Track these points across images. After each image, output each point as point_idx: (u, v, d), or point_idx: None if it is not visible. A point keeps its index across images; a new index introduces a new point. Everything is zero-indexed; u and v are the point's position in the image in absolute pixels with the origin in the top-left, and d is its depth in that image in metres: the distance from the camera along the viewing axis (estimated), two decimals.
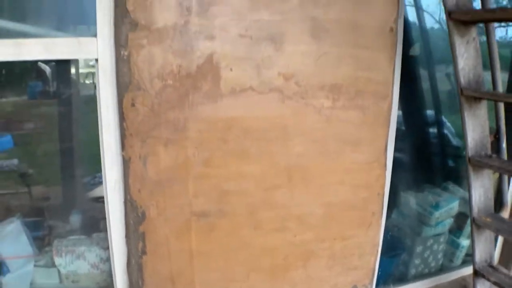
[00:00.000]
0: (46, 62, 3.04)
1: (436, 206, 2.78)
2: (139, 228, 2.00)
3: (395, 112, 2.38)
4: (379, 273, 2.60)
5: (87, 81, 3.41)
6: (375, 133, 2.30)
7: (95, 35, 1.88)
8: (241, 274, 2.21)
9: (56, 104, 3.23)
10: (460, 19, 2.21)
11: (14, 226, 2.31)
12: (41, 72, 3.31)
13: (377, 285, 2.63)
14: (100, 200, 2.12)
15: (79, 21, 2.24)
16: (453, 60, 2.21)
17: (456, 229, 2.96)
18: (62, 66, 2.99)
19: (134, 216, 2.00)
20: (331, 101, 2.17)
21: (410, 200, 2.87)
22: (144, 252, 2.03)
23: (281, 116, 2.10)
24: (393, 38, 2.25)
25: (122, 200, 2.01)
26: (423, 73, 3.22)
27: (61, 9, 2.27)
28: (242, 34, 1.98)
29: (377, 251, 2.48)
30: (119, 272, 2.10)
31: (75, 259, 2.26)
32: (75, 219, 2.52)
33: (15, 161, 3.61)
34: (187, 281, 2.12)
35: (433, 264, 2.99)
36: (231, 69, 1.98)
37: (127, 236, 2.04)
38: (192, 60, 1.92)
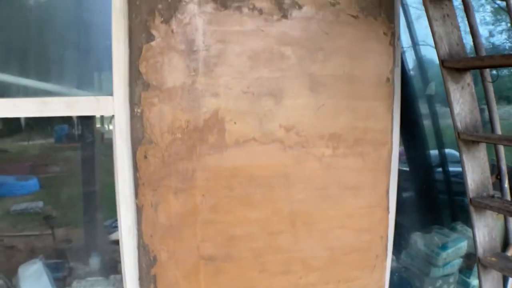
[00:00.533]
0: None
1: (443, 247, 2.79)
2: (151, 271, 2.13)
3: (395, 157, 2.46)
4: None
5: (110, 126, 3.61)
6: (376, 178, 2.38)
7: (111, 94, 2.08)
8: None
9: (80, 148, 3.37)
10: (453, 67, 2.31)
11: (37, 267, 2.47)
12: (67, 116, 3.50)
13: None
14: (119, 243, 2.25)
15: (98, 81, 2.46)
16: (449, 106, 2.30)
17: (466, 269, 2.95)
18: None
19: (147, 260, 2.13)
20: (331, 149, 2.28)
21: (418, 241, 2.89)
22: None
23: (283, 165, 2.22)
24: (390, 87, 2.36)
25: (136, 244, 2.15)
26: (424, 112, 3.30)
27: (82, 71, 2.50)
28: (245, 90, 2.14)
29: None
30: None
31: None
32: (94, 261, 2.67)
33: (40, 204, 3.77)
34: None
35: None
36: (235, 123, 2.13)
37: (141, 278, 2.17)
38: (199, 115, 2.09)
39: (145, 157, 2.07)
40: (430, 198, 3.20)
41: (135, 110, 2.06)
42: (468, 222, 3.12)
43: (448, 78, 2.33)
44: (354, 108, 2.30)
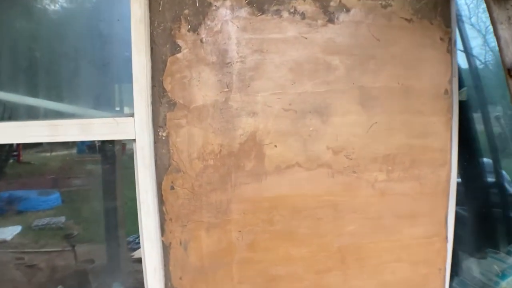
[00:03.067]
0: None
1: (503, 276, 2.37)
2: None
3: (454, 179, 2.04)
4: None
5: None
6: (434, 205, 1.97)
7: (132, 115, 1.70)
8: None
9: (102, 160, 3.09)
10: None
11: None
12: None
13: None
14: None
15: (116, 101, 2.08)
16: None
17: None
18: None
19: None
20: (385, 173, 1.87)
21: (472, 268, 2.47)
22: None
23: (331, 193, 1.82)
24: (449, 100, 1.94)
25: (163, 287, 1.77)
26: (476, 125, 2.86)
27: (99, 88, 2.12)
28: (286, 108, 1.74)
29: None
30: None
31: None
32: None
33: (62, 219, 3.51)
34: None
35: None
36: (275, 146, 1.74)
37: None
38: (233, 138, 1.70)
39: (172, 188, 1.68)
40: (485, 221, 2.77)
41: (160, 133, 1.67)
42: None
43: None
44: (410, 124, 1.89)
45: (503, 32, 1.82)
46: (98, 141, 3.14)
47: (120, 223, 3.07)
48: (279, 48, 1.72)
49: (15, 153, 3.67)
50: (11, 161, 3.56)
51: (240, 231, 1.74)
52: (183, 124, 1.67)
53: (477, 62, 3.34)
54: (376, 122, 1.84)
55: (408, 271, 1.97)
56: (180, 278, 1.73)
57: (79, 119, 1.73)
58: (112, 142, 3.02)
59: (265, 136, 1.73)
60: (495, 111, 3.27)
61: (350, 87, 1.80)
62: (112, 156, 2.97)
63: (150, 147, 1.70)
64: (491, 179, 2.90)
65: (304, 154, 1.77)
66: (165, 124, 1.67)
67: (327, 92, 1.77)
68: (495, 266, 2.38)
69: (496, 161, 2.91)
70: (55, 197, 3.58)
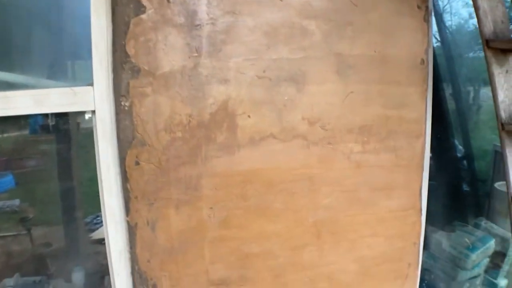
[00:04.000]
0: None
1: (473, 248, 2.39)
2: None
3: (428, 151, 2.01)
4: None
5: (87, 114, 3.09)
6: (409, 177, 1.91)
7: (91, 84, 1.52)
8: None
9: (56, 140, 2.89)
10: (499, 47, 1.86)
11: None
12: None
13: None
14: (103, 242, 1.73)
15: (73, 68, 1.87)
16: (492, 92, 1.85)
17: (492, 269, 2.56)
18: None
19: None
20: (360, 144, 1.80)
21: (442, 241, 2.47)
22: None
23: (307, 165, 1.72)
24: (425, 71, 1.88)
25: (129, 271, 1.63)
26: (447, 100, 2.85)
27: (53, 56, 1.90)
28: (260, 75, 1.62)
29: None
30: None
31: None
32: (77, 276, 2.12)
33: (16, 202, 3.29)
34: None
35: None
36: (248, 116, 1.61)
37: None
38: (204, 107, 1.56)
39: (137, 163, 1.53)
40: (454, 194, 2.78)
41: (122, 103, 1.51)
42: (493, 218, 2.75)
43: (493, 61, 1.86)
44: (387, 94, 1.81)
45: (482, 2, 1.78)
46: (52, 119, 2.92)
47: (77, 204, 2.90)
48: (253, 10, 1.58)
49: None
50: None
51: (211, 207, 1.62)
52: (148, 93, 1.51)
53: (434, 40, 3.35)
54: (352, 92, 1.74)
55: (384, 245, 1.92)
56: (148, 261, 1.59)
57: (33, 90, 1.53)
58: (66, 120, 2.82)
59: (238, 106, 1.59)
60: (448, 89, 3.29)
61: (327, 54, 1.69)
62: (67, 135, 2.78)
63: (112, 118, 1.53)
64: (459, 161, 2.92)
65: (279, 125, 1.66)
66: (128, 93, 1.51)
67: (303, 58, 1.66)
68: (466, 239, 2.40)
69: (464, 135, 2.93)
70: (8, 179, 3.32)
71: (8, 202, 3.30)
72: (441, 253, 2.49)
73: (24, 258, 2.87)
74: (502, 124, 1.89)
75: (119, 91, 1.51)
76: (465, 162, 2.93)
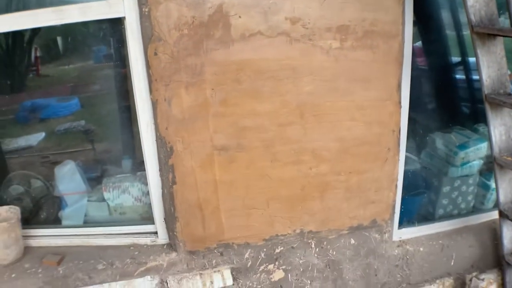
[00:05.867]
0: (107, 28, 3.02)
1: (462, 146, 2.61)
2: (168, 161, 2.20)
3: (408, 51, 2.30)
4: (403, 210, 2.53)
5: None
6: (386, 71, 2.26)
7: None
8: (261, 202, 2.32)
9: (115, 66, 3.21)
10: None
11: (69, 167, 2.61)
12: (104, 38, 3.27)
13: (400, 222, 2.57)
14: None
15: None
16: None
17: (486, 171, 2.75)
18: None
19: (164, 151, 2.18)
20: (338, 41, 2.18)
21: (437, 140, 2.71)
22: (174, 182, 2.22)
23: (290, 58, 2.15)
24: None
25: (155, 138, 2.19)
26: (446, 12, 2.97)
27: None
28: None
29: (396, 187, 2.43)
30: (155, 202, 2.34)
31: (121, 193, 2.54)
32: (126, 163, 2.75)
33: (82, 122, 3.74)
34: (213, 208, 2.28)
35: (462, 206, 2.86)
36: (239, 17, 2.07)
37: (160, 169, 2.24)
38: (203, 11, 2.05)
39: (155, 54, 2.07)
40: (453, 98, 2.96)
41: (143, 9, 2.04)
42: None
43: None
44: None
45: None
46: (113, 49, 3.33)
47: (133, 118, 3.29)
48: None
49: (34, 68, 4.00)
50: (30, 75, 3.97)
51: (213, 89, 2.12)
52: (161, 1, 2.03)
53: None
54: None
55: (363, 130, 2.30)
56: (166, 129, 2.16)
57: (80, 4, 2.12)
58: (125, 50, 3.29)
59: (231, 8, 2.06)
60: None
61: None
62: (125, 63, 3.16)
63: (137, 22, 2.08)
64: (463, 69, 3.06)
65: (266, 24, 2.09)
66: (147, 2, 2.04)
67: None
68: (453, 137, 2.62)
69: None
70: (74, 102, 3.79)
71: (75, 123, 3.83)
72: (435, 150, 2.73)
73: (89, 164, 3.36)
74: (472, 27, 2.14)
75: (141, 1, 2.03)
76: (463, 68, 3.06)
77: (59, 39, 3.82)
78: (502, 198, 2.40)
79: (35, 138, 3.71)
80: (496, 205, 2.41)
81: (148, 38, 2.08)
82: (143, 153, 2.29)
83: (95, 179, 2.73)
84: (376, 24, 2.21)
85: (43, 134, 3.73)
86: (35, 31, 3.23)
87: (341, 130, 2.29)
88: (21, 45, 3.56)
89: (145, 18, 2.07)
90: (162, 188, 2.29)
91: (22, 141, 3.64)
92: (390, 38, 2.24)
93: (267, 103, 2.20)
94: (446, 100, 2.91)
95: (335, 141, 2.31)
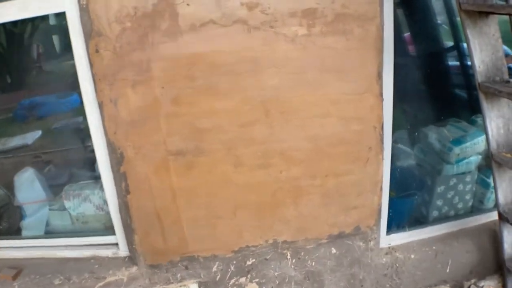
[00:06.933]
0: None
1: (457, 142, 2.28)
2: (120, 169, 1.99)
3: (389, 35, 2.00)
4: (391, 213, 2.25)
5: None
6: (363, 59, 1.96)
7: None
8: (227, 211, 2.09)
9: None
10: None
11: (28, 175, 2.43)
12: None
13: (390, 227, 2.28)
14: None
15: None
16: None
17: (486, 167, 2.41)
18: None
19: (115, 158, 1.98)
20: (305, 27, 1.90)
21: (430, 135, 2.39)
22: (127, 191, 2.02)
23: (250, 49, 1.89)
24: None
25: (106, 144, 1.98)
26: None
27: None
28: None
29: (381, 190, 2.14)
30: (113, 212, 2.17)
31: (81, 202, 2.35)
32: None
33: (80, 119, 3.63)
34: (173, 218, 2.07)
35: (459, 206, 2.52)
36: (187, 4, 1.82)
37: (114, 177, 2.03)
38: (147, 0, 1.79)
39: (97, 50, 1.85)
40: (447, 87, 2.62)
41: (81, 2, 1.81)
42: None
43: None
44: None
45: None
46: None
47: None
48: None
49: (37, 64, 3.90)
50: (34, 72, 3.87)
51: (163, 87, 1.89)
52: None
53: None
54: None
55: (339, 127, 2.03)
56: (115, 133, 1.95)
57: (17, 0, 1.91)
58: None
59: None
60: None
61: None
62: None
63: (77, 16, 1.85)
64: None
65: (218, 11, 1.84)
66: None
67: None
68: (446, 131, 2.30)
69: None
70: (74, 98, 3.66)
71: (73, 119, 3.47)
72: (427, 146, 2.42)
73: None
74: (459, 4, 1.83)
75: None
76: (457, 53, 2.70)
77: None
78: (501, 199, 2.08)
79: (31, 136, 3.60)
80: (496, 206, 2.11)
81: (88, 33, 1.85)
82: (97, 159, 2.09)
83: (55, 185, 2.55)
84: (348, 6, 1.90)
85: (39, 132, 3.62)
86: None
87: (313, 128, 2.02)
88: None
89: (83, 12, 1.84)
90: (118, 198, 2.09)
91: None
92: (366, 22, 1.93)
93: (226, 100, 1.95)
94: (439, 89, 2.56)
95: (307, 141, 2.03)
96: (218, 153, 2.02)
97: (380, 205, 2.21)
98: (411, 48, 2.60)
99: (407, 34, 2.54)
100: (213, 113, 1.96)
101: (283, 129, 2.01)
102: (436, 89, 2.55)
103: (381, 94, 2.04)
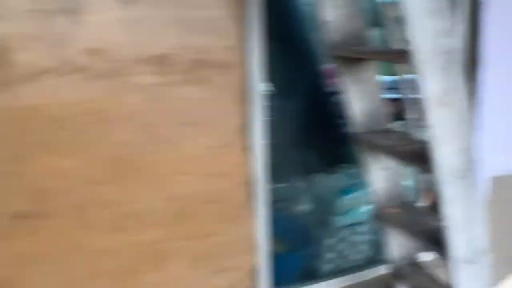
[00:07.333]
0: None
1: (346, 191, 2.12)
2: None
3: (258, 83, 1.81)
4: (278, 270, 2.06)
5: None
6: (225, 111, 1.78)
7: None
8: (83, 279, 1.85)
9: None
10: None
11: None
12: None
13: (277, 284, 2.09)
14: None
15: None
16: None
17: None
18: None
19: None
20: (158, 76, 1.70)
21: (319, 184, 2.22)
22: None
23: (94, 100, 1.70)
24: None
25: None
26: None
27: None
28: (30, 8, 1.59)
29: (257, 249, 1.96)
30: None
31: None
32: None
33: None
34: None
35: (354, 258, 2.34)
36: (23, 52, 1.60)
37: None
38: None
39: None
40: (339, 130, 2.43)
41: None
42: None
43: None
44: (187, 20, 1.69)
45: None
46: None
47: None
48: None
49: None
50: None
51: None
52: None
53: None
54: (143, 18, 1.65)
55: (200, 184, 1.84)
56: None
57: None
58: None
59: (9, 41, 1.59)
60: None
61: None
62: None
63: None
64: None
65: (57, 59, 1.64)
66: None
67: None
68: (335, 179, 2.14)
69: None
70: None
71: None
72: (317, 197, 2.24)
73: None
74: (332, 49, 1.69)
75: None
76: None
77: None
78: (392, 258, 1.92)
79: None
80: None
81: None
82: None
83: None
84: (206, 52, 1.74)
85: None
86: None
87: (171, 187, 1.82)
88: None
89: None
90: None
91: None
92: (227, 70, 1.77)
93: (70, 158, 1.73)
94: (329, 133, 2.38)
95: (166, 201, 1.84)
96: (66, 215, 1.79)
97: (256, 265, 2.02)
98: (293, 92, 2.42)
99: (288, 77, 2.37)
100: (56, 172, 1.74)
101: (137, 189, 1.81)
102: (325, 133, 2.37)
103: (247, 148, 1.87)
